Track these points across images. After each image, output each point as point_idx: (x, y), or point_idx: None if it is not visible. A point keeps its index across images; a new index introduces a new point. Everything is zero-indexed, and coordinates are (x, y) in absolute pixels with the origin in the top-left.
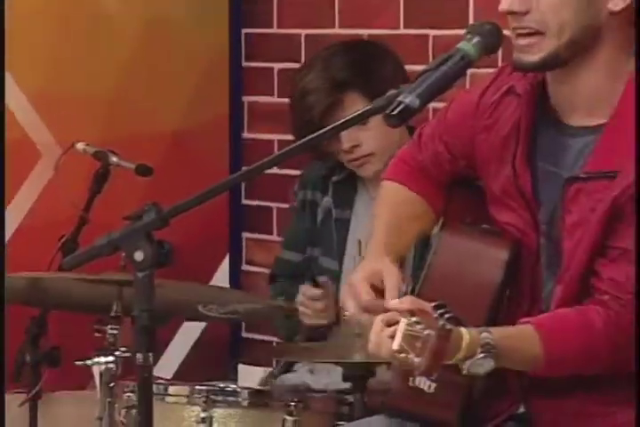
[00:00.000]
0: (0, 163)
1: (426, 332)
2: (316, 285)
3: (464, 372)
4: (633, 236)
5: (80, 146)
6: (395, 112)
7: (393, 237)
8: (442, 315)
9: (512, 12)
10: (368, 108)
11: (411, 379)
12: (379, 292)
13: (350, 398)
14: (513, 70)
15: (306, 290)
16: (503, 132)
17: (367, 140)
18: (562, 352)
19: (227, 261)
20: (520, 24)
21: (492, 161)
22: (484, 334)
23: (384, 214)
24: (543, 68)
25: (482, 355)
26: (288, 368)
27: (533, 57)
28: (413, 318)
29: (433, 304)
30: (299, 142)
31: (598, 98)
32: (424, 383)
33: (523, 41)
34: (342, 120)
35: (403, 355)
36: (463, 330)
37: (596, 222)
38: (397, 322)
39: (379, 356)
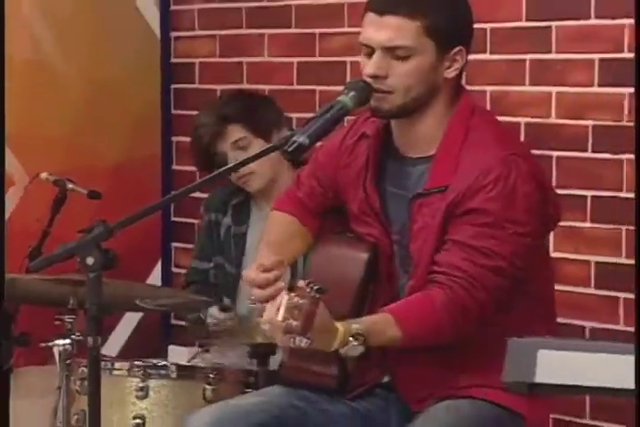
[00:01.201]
0: (0, 174)
1: (300, 301)
2: (222, 308)
3: (342, 355)
4: (464, 230)
5: (43, 175)
6: (290, 149)
7: (275, 252)
8: (312, 288)
9: (374, 76)
10: (271, 145)
11: (291, 340)
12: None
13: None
14: (371, 116)
15: (214, 313)
16: (358, 166)
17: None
18: (414, 329)
19: (159, 264)
20: (377, 86)
21: (351, 189)
22: (354, 326)
23: (269, 235)
24: (395, 116)
25: (354, 342)
26: (207, 349)
27: (388, 106)
28: (292, 293)
29: (305, 282)
30: (211, 175)
31: (431, 137)
32: (301, 341)
33: (379, 95)
34: (249, 157)
35: (286, 322)
36: (338, 324)
37: (436, 226)
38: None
39: (272, 330)
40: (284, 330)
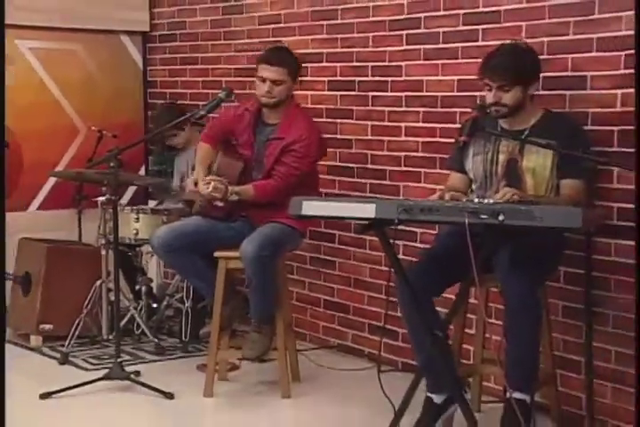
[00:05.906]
0: (0, 169)
1: (219, 185)
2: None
3: (230, 199)
4: (288, 158)
5: (93, 128)
6: (197, 116)
7: (202, 164)
8: (222, 179)
9: (268, 92)
10: (188, 114)
11: (213, 203)
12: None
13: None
14: (258, 104)
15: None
16: (244, 124)
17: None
18: (259, 192)
19: (143, 167)
20: (269, 95)
21: (241, 134)
22: (235, 188)
23: (199, 156)
24: (273, 107)
25: (235, 194)
26: (164, 201)
27: (273, 102)
28: (215, 182)
29: (220, 176)
30: (159, 129)
31: (279, 115)
32: (219, 204)
33: (269, 99)
34: (176, 121)
35: (213, 194)
36: (230, 187)
37: (276, 154)
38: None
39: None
40: (210, 198)
